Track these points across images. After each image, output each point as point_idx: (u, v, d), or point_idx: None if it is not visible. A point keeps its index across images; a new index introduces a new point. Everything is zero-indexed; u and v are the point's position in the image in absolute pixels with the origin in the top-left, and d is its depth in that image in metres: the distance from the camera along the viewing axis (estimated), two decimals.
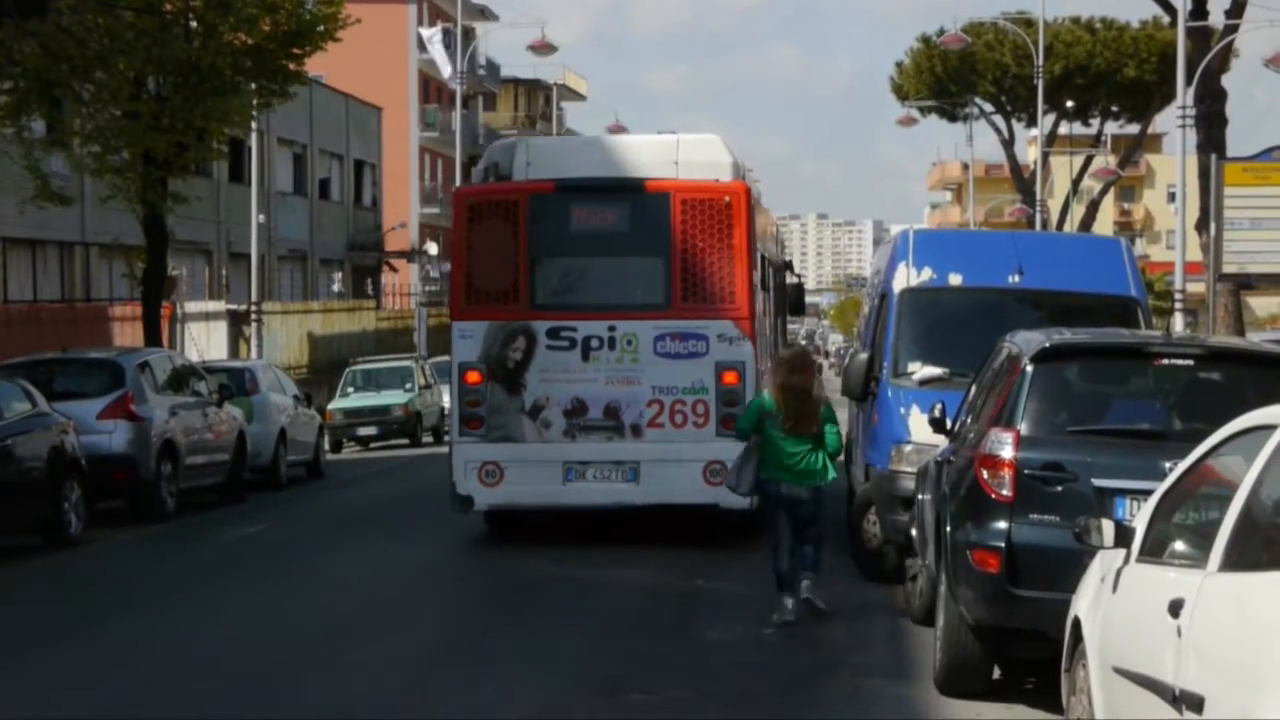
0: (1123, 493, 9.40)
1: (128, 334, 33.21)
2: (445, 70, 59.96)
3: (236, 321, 40.04)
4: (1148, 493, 7.95)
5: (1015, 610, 9.59)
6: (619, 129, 72.02)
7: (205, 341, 38.88)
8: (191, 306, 40.21)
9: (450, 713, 10.20)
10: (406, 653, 11.90)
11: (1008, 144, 65.02)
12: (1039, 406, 9.88)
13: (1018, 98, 62.40)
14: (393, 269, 65.18)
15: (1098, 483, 9.46)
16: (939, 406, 11.90)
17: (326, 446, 31.24)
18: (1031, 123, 62.03)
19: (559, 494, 16.87)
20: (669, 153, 17.43)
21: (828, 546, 15.98)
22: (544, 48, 52.35)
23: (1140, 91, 61.47)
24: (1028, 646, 9.96)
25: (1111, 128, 69.48)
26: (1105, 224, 79.17)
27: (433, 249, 68.97)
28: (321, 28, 26.90)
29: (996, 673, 10.41)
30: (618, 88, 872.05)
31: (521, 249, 16.90)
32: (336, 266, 59.75)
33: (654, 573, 15.60)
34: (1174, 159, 36.98)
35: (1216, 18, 36.17)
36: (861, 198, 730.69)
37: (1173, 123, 36.80)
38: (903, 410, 14.42)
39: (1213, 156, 30.20)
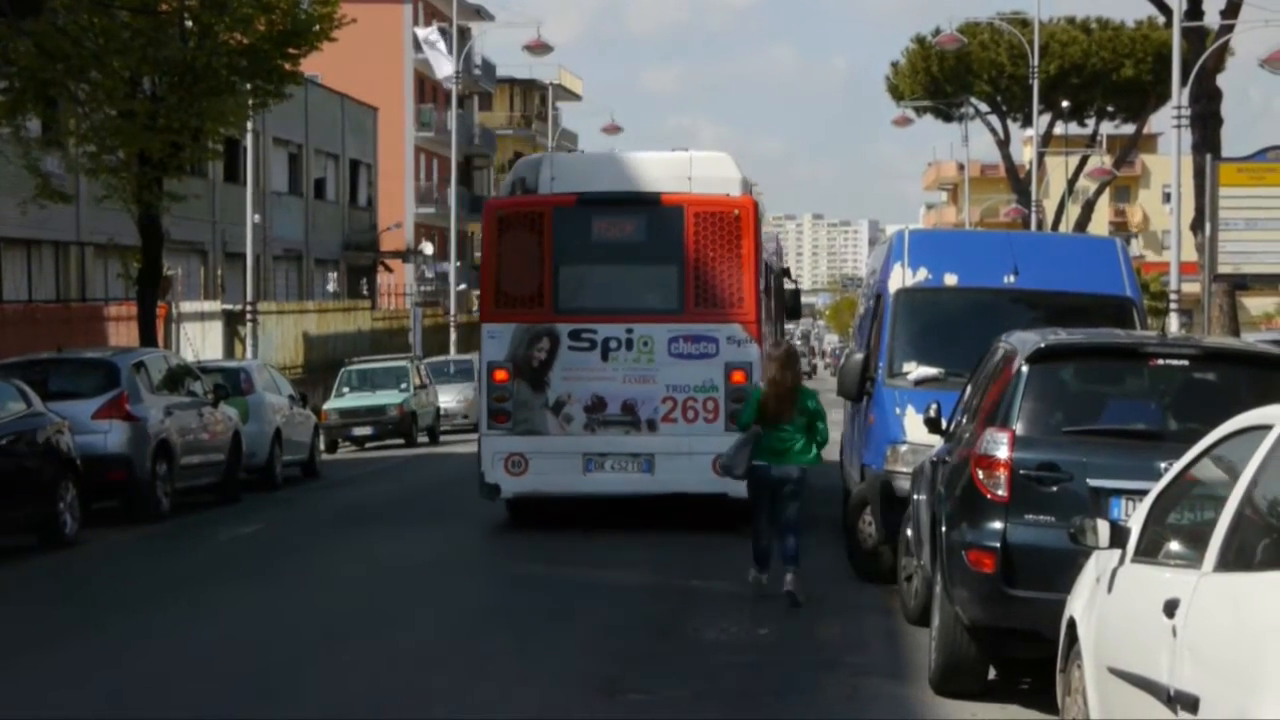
0: (1118, 493, 9.41)
1: (123, 334, 33.19)
2: (441, 70, 59.95)
3: (232, 321, 40.00)
4: (1143, 493, 7.94)
5: (1010, 610, 9.59)
6: (614, 129, 72.25)
7: (200, 341, 38.85)
8: (187, 306, 40.21)
9: (448, 713, 10.20)
10: (403, 653, 11.90)
11: (1003, 144, 64.99)
12: (1034, 407, 9.88)
13: (1013, 98, 62.34)
14: (388, 269, 65.17)
15: (1093, 483, 9.47)
16: (934, 406, 11.92)
17: (322, 446, 31.23)
18: (1027, 123, 61.99)
19: (579, 483, 18.09)
20: (683, 169, 18.56)
21: (823, 548, 16.05)
22: (539, 47, 52.43)
23: (1135, 91, 61.48)
24: (1023, 647, 9.97)
25: (1107, 128, 69.59)
26: (1100, 224, 79.10)
27: (428, 249, 68.97)
28: (317, 28, 26.86)
29: (992, 673, 10.41)
30: (614, 87, 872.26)
31: (546, 257, 18.14)
32: (332, 266, 59.72)
33: (651, 573, 15.66)
34: (1169, 159, 37.00)
35: (1212, 18, 36.19)
36: (857, 198, 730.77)
37: (1168, 123, 36.89)
38: (898, 410, 14.44)
39: (1208, 157, 30.20)
